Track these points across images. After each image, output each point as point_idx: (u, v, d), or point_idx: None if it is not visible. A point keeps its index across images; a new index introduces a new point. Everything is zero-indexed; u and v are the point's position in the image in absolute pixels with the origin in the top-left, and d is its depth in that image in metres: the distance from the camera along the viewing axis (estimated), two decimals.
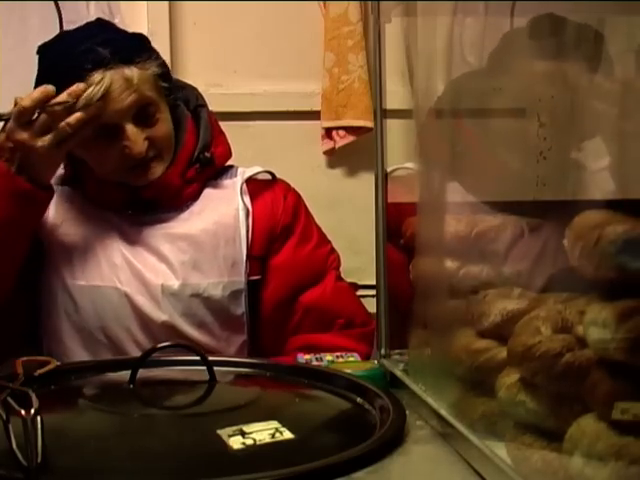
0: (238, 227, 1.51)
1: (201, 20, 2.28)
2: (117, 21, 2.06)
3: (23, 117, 1.34)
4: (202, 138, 1.53)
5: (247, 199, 1.54)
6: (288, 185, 1.61)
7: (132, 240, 1.49)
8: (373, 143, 1.25)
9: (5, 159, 1.37)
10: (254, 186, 1.56)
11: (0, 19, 2.11)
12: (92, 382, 1.15)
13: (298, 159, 2.30)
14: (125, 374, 1.11)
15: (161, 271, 1.47)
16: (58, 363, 1.16)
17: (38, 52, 1.49)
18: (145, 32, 1.67)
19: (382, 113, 1.24)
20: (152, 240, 1.49)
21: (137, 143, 1.42)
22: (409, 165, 1.35)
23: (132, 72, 1.41)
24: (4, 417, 0.81)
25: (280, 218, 1.55)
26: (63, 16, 2.13)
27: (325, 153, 2.36)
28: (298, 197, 1.60)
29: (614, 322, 0.72)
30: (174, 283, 1.46)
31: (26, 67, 2.13)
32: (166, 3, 2.25)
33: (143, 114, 1.44)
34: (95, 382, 1.16)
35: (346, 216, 2.22)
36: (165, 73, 1.49)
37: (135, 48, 1.45)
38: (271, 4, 2.28)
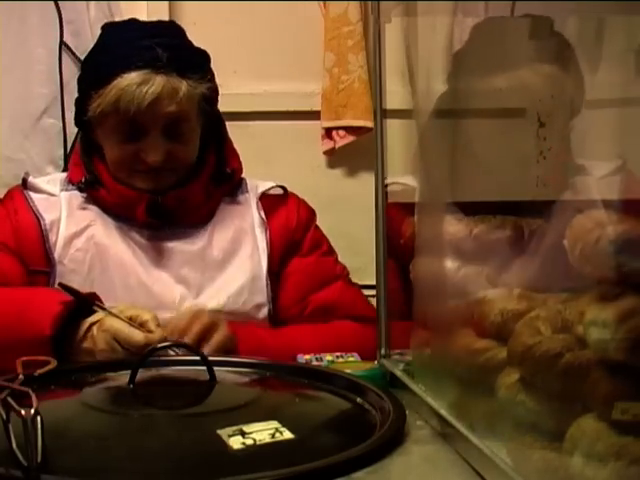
0: (256, 243, 1.52)
1: (201, 20, 2.28)
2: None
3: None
4: (221, 155, 1.53)
5: (263, 215, 1.54)
6: (300, 199, 1.62)
7: (148, 258, 1.47)
8: (373, 143, 1.25)
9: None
10: (268, 201, 1.57)
11: (0, 19, 2.11)
12: (92, 382, 1.15)
13: (298, 159, 2.29)
14: (125, 374, 1.11)
15: (178, 291, 1.46)
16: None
17: (102, 28, 1.50)
18: None
19: (382, 113, 1.24)
20: (170, 259, 1.47)
21: (156, 153, 1.41)
22: (402, 180, 1.34)
23: (182, 85, 1.40)
24: (4, 417, 0.81)
25: (295, 231, 1.56)
26: (63, 16, 2.13)
27: (325, 153, 2.36)
28: (311, 211, 1.62)
29: (614, 322, 0.72)
30: (191, 303, 1.44)
31: (26, 67, 2.15)
32: (166, 3, 2.25)
33: (174, 128, 1.43)
34: (95, 382, 1.15)
35: (346, 216, 2.22)
36: (211, 97, 1.48)
37: (194, 64, 1.44)
38: (271, 4, 2.28)
